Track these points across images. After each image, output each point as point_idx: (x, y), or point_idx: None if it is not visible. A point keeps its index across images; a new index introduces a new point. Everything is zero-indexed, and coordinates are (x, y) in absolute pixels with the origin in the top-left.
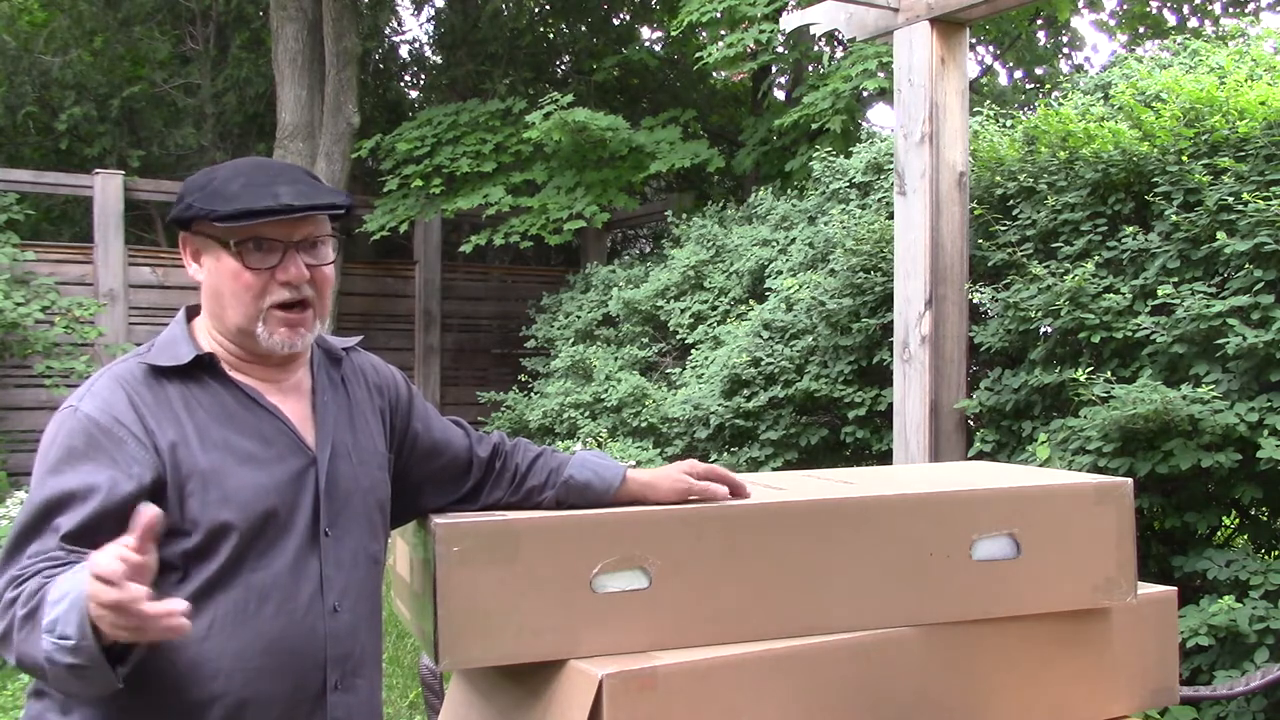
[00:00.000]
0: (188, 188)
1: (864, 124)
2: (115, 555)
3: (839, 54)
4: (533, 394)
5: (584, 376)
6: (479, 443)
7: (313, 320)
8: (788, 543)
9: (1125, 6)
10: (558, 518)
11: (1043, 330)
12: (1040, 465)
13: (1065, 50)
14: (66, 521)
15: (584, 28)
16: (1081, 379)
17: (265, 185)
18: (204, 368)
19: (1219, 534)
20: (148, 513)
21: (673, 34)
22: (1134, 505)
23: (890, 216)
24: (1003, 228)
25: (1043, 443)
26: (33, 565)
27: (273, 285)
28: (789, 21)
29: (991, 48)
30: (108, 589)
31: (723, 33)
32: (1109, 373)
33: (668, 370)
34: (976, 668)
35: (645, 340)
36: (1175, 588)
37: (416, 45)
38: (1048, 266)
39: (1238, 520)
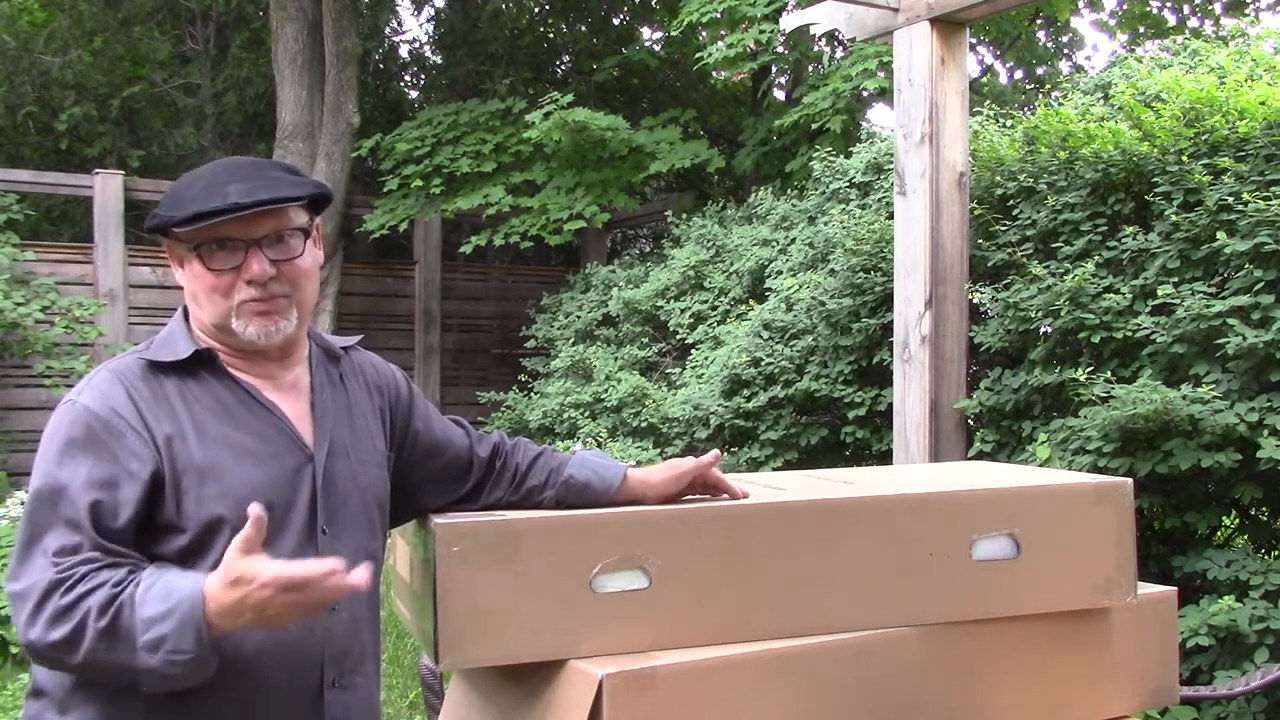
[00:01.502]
0: (164, 195)
1: (864, 124)
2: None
3: (839, 54)
4: (533, 394)
5: (584, 376)
6: (479, 442)
7: (288, 310)
8: (788, 543)
9: (1125, 6)
10: (558, 518)
11: (1043, 330)
12: (1040, 465)
13: (1065, 50)
14: (84, 520)
15: (584, 28)
16: (1081, 379)
17: (220, 186)
18: (203, 364)
19: (1219, 534)
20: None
21: (673, 34)
22: (1134, 505)
23: (890, 216)
24: (1003, 228)
25: (1043, 443)
26: (75, 569)
27: (239, 284)
28: (789, 21)
29: (991, 48)
30: (295, 583)
31: (723, 33)
32: (1109, 373)
33: (668, 370)
34: (976, 668)
35: (645, 340)
36: (1175, 588)
37: (416, 45)
38: (1048, 266)
39: (1238, 520)
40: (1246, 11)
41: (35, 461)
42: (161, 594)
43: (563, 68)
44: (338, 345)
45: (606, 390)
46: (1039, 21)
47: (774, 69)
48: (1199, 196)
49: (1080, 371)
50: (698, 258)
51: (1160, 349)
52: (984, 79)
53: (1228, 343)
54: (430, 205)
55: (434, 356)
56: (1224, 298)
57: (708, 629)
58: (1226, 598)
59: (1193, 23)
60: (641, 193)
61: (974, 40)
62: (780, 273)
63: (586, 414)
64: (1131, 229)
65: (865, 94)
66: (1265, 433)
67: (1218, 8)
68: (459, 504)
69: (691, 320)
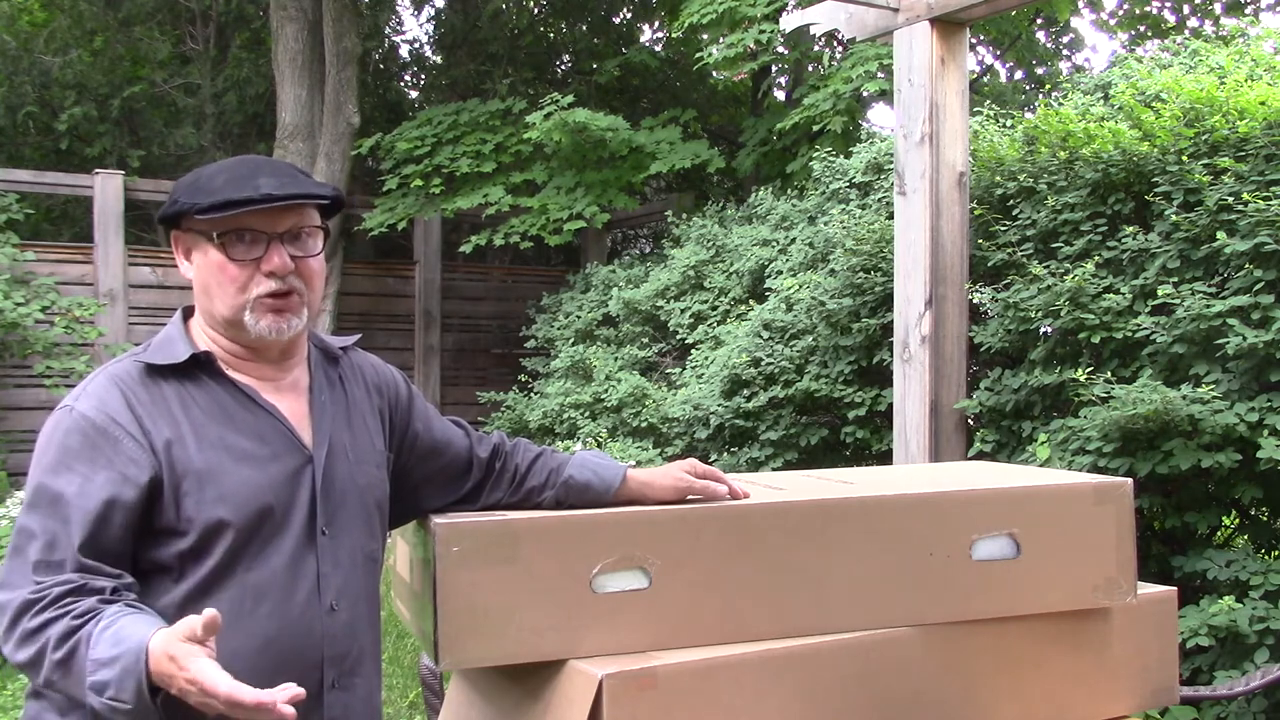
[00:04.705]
0: (176, 187)
1: (864, 124)
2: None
3: (839, 54)
4: (533, 394)
5: (584, 377)
6: (479, 443)
7: (300, 307)
8: (788, 543)
9: (1125, 6)
10: (557, 518)
11: (1043, 330)
12: (1040, 465)
13: (1065, 50)
14: (71, 532)
15: (584, 28)
16: (1081, 379)
17: (247, 178)
18: (201, 366)
19: (1219, 534)
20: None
21: (673, 36)
22: (1134, 505)
23: (890, 216)
24: (1003, 228)
25: (1043, 443)
26: (49, 590)
27: (258, 276)
28: (789, 22)
29: (991, 48)
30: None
31: (723, 34)
32: (1109, 373)
33: (668, 370)
34: (976, 668)
35: (645, 340)
36: (1175, 588)
37: (416, 45)
38: (1048, 266)
39: (1238, 520)
40: (1246, 11)
41: (31, 465)
42: (113, 639)
43: (563, 68)
44: (336, 346)
45: (606, 390)
46: (1039, 21)
47: (774, 69)
48: (1199, 196)
49: (1080, 371)
50: (698, 258)
51: (1160, 349)
52: (984, 79)
53: (1228, 343)
54: (430, 205)
55: (434, 356)
56: (1224, 298)
57: (708, 629)
58: (1226, 598)
59: (1193, 23)
60: (641, 193)
61: (974, 40)
62: (780, 273)
63: (586, 414)
64: (1131, 229)
65: (865, 94)
66: (1265, 433)
67: (1218, 8)
68: (459, 504)
69: (691, 320)
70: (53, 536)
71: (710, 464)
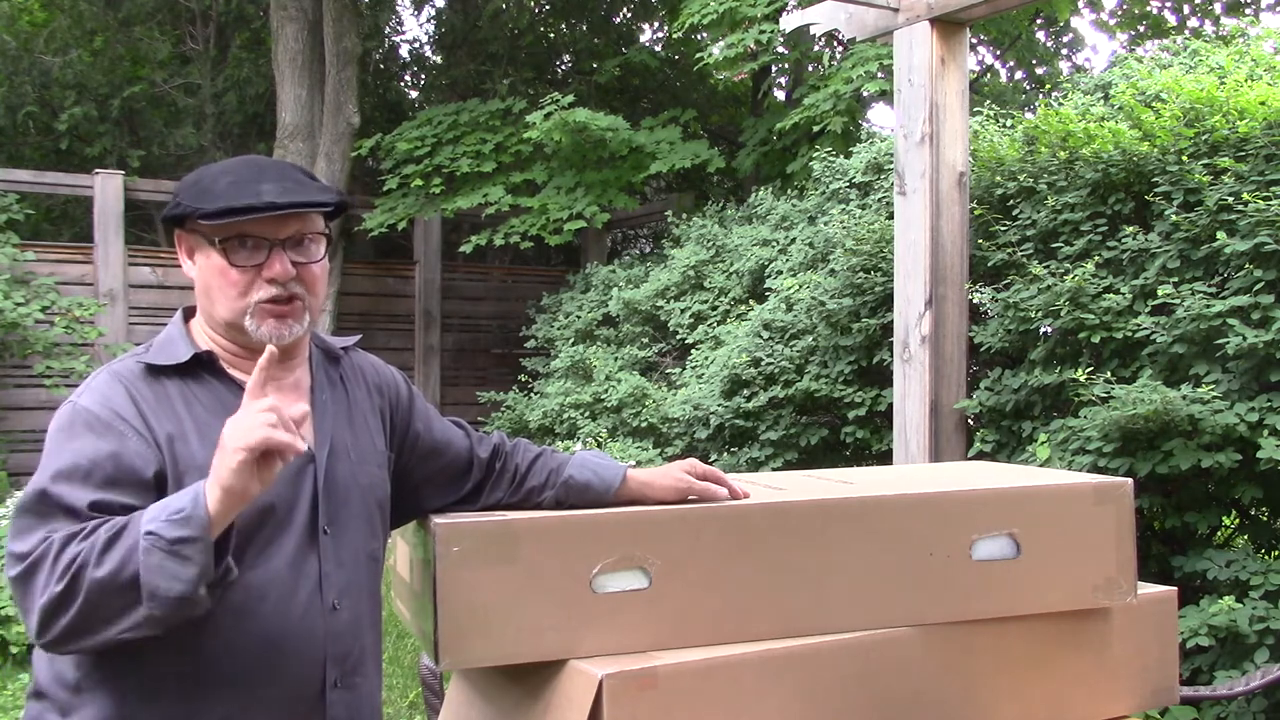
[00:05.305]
0: (180, 186)
1: (864, 124)
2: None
3: (839, 54)
4: (533, 394)
5: (584, 377)
6: (479, 443)
7: (302, 313)
8: (788, 543)
9: (1125, 6)
10: (557, 518)
11: (1043, 330)
12: (1040, 465)
13: (1065, 50)
14: (84, 510)
15: (585, 28)
16: (1081, 379)
17: (251, 183)
18: (203, 366)
19: (1219, 534)
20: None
21: (673, 36)
22: (1134, 505)
23: (890, 216)
24: (1003, 228)
25: (1043, 443)
26: (86, 525)
27: (258, 282)
28: (789, 22)
29: (991, 48)
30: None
31: (724, 34)
32: (1109, 373)
33: (668, 370)
34: (976, 668)
35: (645, 340)
36: (1175, 588)
37: (417, 45)
38: (1048, 266)
39: (1238, 520)
40: (1246, 12)
41: (41, 459)
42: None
43: (563, 68)
44: (337, 346)
45: (606, 390)
46: (1039, 21)
47: (774, 69)
48: (1199, 196)
49: (1080, 371)
50: (698, 258)
51: (1160, 349)
52: (984, 79)
53: (1228, 343)
54: (430, 205)
55: (434, 356)
56: (1224, 298)
57: (708, 629)
58: (1226, 598)
59: (1193, 23)
60: (641, 193)
61: (974, 40)
62: (780, 273)
63: (586, 414)
64: (1131, 229)
65: (865, 94)
66: (1265, 433)
67: (1218, 8)
68: (459, 505)
69: (691, 320)
70: (70, 516)
71: (710, 464)
